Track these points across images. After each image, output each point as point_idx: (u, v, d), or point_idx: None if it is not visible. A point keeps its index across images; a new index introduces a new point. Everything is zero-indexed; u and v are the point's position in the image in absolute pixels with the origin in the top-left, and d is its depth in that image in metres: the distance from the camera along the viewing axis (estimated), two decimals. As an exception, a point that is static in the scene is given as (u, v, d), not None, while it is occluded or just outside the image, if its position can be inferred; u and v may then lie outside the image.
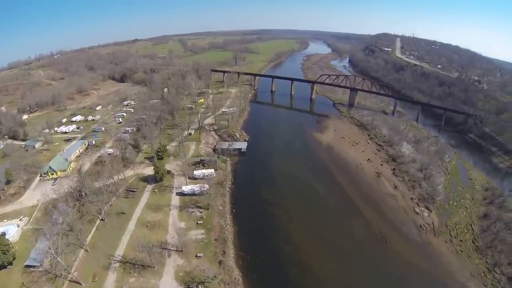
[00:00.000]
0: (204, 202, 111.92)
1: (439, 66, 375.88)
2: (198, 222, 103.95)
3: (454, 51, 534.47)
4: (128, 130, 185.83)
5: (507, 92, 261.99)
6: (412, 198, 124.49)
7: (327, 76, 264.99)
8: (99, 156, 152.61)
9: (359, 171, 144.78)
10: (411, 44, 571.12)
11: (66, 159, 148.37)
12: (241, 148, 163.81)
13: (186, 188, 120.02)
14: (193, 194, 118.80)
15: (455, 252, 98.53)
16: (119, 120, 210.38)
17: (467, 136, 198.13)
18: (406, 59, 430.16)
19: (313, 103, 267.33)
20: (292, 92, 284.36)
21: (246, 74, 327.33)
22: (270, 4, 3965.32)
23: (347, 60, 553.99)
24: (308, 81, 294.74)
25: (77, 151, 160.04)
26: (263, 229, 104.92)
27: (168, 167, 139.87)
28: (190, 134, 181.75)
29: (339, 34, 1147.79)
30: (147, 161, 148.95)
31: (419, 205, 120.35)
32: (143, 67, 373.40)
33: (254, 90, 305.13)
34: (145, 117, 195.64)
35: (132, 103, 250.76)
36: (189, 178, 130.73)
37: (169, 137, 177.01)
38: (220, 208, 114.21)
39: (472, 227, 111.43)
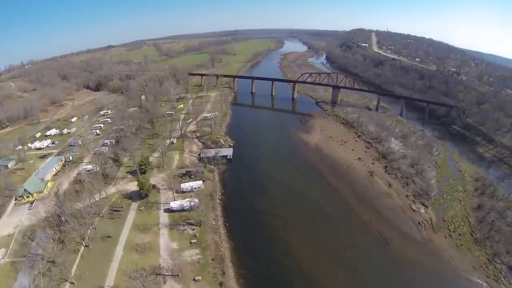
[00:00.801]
0: (195, 218, 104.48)
1: (417, 59, 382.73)
2: (192, 241, 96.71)
3: (429, 43, 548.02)
4: (106, 143, 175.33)
5: (484, 82, 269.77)
6: (407, 195, 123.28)
7: (309, 74, 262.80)
8: (77, 174, 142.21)
9: (351, 171, 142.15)
10: (386, 38, 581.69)
11: (42, 179, 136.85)
12: (228, 155, 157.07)
13: (174, 204, 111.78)
14: (182, 210, 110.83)
15: (456, 247, 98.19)
16: (96, 132, 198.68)
17: (451, 128, 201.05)
18: (384, 53, 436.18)
19: (295, 103, 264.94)
20: (273, 93, 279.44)
21: (225, 76, 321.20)
22: (242, 4, 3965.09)
23: (324, 57, 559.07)
24: (289, 81, 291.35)
25: (54, 169, 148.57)
26: (260, 242, 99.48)
27: (152, 180, 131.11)
28: (172, 143, 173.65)
29: (313, 31, 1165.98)
30: (129, 176, 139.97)
31: (415, 202, 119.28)
32: (118, 74, 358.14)
33: (234, 92, 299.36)
34: (124, 127, 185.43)
35: (109, 112, 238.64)
36: (176, 192, 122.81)
37: (151, 148, 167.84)
38: (213, 223, 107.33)
39: (468, 219, 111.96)
